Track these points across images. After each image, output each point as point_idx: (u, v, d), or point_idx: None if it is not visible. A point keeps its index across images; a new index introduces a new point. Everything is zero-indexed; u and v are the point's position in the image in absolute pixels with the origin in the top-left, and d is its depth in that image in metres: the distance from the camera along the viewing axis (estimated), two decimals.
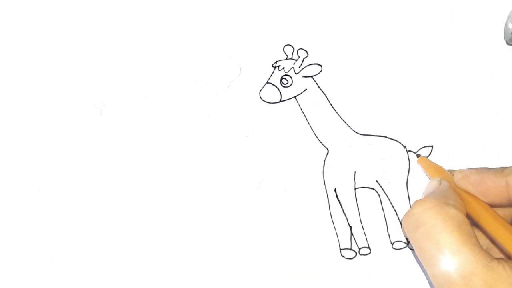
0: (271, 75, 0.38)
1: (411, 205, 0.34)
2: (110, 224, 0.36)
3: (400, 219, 0.37)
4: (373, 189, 0.37)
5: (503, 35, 0.39)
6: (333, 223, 0.37)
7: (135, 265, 0.36)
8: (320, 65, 0.38)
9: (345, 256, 0.36)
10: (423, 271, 0.36)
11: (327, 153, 0.37)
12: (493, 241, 0.32)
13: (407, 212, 0.30)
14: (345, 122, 0.37)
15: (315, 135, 0.37)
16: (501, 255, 0.32)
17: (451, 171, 0.34)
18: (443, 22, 0.39)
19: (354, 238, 0.36)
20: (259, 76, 0.38)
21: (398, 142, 0.37)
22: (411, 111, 0.38)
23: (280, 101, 0.38)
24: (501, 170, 0.31)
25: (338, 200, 0.37)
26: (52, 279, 0.36)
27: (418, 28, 0.39)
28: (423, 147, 0.37)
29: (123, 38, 0.39)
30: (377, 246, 0.37)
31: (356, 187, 0.37)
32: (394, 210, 0.37)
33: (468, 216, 0.31)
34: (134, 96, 0.38)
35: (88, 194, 0.37)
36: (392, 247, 0.36)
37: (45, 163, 0.37)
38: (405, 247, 0.36)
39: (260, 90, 0.38)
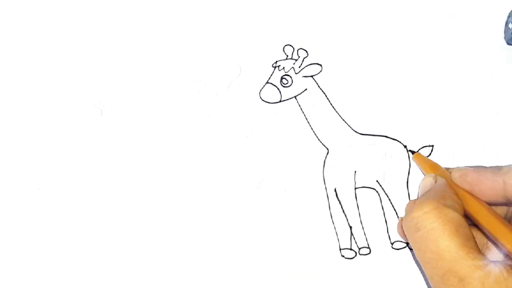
0: (271, 75, 0.38)
1: (408, 205, 0.35)
2: (110, 224, 0.36)
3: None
4: (373, 189, 0.37)
5: (503, 35, 0.39)
6: (333, 223, 0.37)
7: (135, 265, 0.36)
8: (320, 65, 0.38)
9: (345, 256, 0.36)
10: (422, 272, 0.36)
11: (327, 153, 0.37)
12: (490, 239, 0.32)
13: (406, 215, 0.31)
14: (345, 122, 0.37)
15: (315, 135, 0.37)
16: (499, 253, 0.32)
17: (448, 169, 0.34)
18: (443, 22, 0.39)
19: (354, 238, 0.36)
20: (259, 76, 0.38)
21: (399, 141, 0.37)
22: (411, 110, 0.38)
23: (280, 101, 0.38)
24: (498, 169, 0.31)
25: (338, 200, 0.37)
26: (52, 279, 0.36)
27: (418, 28, 0.39)
28: (423, 147, 0.37)
29: (123, 38, 0.39)
30: (377, 246, 0.37)
31: (356, 187, 0.37)
32: (394, 210, 0.37)
33: (466, 214, 0.31)
34: (134, 96, 0.38)
35: (88, 194, 0.37)
36: (392, 247, 0.36)
37: (45, 163, 0.37)
38: (405, 247, 0.36)
39: (260, 90, 0.38)
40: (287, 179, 0.37)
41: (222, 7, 0.39)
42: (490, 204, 0.32)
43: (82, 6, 0.39)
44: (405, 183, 0.37)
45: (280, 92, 0.38)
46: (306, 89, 0.38)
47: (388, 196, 0.37)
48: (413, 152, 0.37)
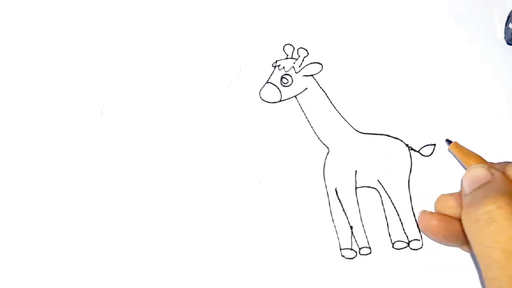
0: (271, 74, 0.38)
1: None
2: (110, 224, 0.36)
3: (401, 219, 0.37)
4: (374, 188, 0.37)
5: (503, 35, 0.39)
6: (333, 222, 0.37)
7: (135, 265, 0.36)
8: (321, 64, 0.38)
9: (346, 256, 0.36)
10: (423, 271, 0.36)
11: (328, 152, 0.37)
12: None
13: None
14: (346, 121, 0.37)
15: (316, 134, 0.37)
16: None
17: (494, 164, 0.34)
18: (443, 22, 0.39)
19: (354, 238, 0.36)
20: (259, 75, 0.38)
21: (400, 140, 0.37)
22: (412, 109, 0.38)
23: (280, 100, 0.38)
24: None
25: (339, 200, 0.37)
26: (52, 279, 0.36)
27: (418, 28, 0.39)
28: (426, 145, 0.37)
29: (123, 38, 0.39)
30: (377, 246, 0.36)
31: (357, 186, 0.37)
32: (395, 209, 0.37)
33: None
34: (134, 96, 0.38)
35: (88, 194, 0.37)
36: (393, 247, 0.36)
37: (45, 163, 0.37)
38: (405, 247, 0.36)
39: (260, 90, 0.38)
40: (287, 179, 0.37)
41: (222, 7, 0.39)
42: None
43: (82, 6, 0.39)
44: (407, 182, 0.37)
45: (280, 92, 0.38)
46: (306, 89, 0.38)
47: (389, 196, 0.37)
48: (449, 142, 0.37)
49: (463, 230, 0.30)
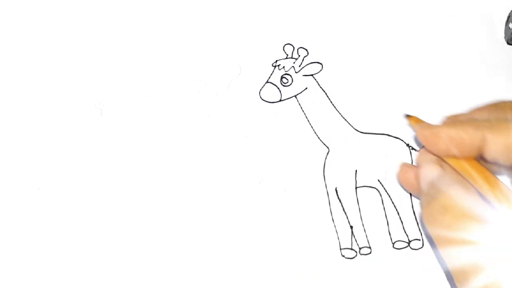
0: (271, 74, 0.38)
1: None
2: (110, 224, 0.36)
3: (402, 219, 0.37)
4: (375, 188, 0.37)
5: (503, 35, 0.40)
6: (333, 222, 0.37)
7: (135, 265, 0.36)
8: (321, 64, 0.38)
9: (346, 256, 0.36)
10: (424, 271, 0.36)
11: (328, 152, 0.37)
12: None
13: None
14: (346, 121, 0.37)
15: (316, 134, 0.37)
16: None
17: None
18: (443, 22, 0.39)
19: (354, 238, 0.36)
20: (259, 75, 0.38)
21: (401, 139, 0.37)
22: (412, 109, 0.38)
23: (280, 100, 0.38)
24: (477, 123, 0.29)
25: (339, 200, 0.37)
26: (52, 279, 0.36)
27: (418, 28, 0.39)
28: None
29: (123, 38, 0.39)
30: (378, 245, 0.36)
31: (357, 186, 0.37)
32: (396, 209, 0.37)
33: None
34: (134, 96, 0.38)
35: (88, 194, 0.37)
36: (393, 247, 0.36)
37: (45, 163, 0.37)
38: (406, 247, 0.36)
39: (260, 90, 0.38)
40: (287, 179, 0.37)
41: (222, 7, 0.39)
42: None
43: (82, 6, 0.39)
44: None
45: (280, 92, 0.38)
46: (306, 88, 0.38)
47: (389, 195, 0.37)
48: (407, 116, 0.36)
49: None
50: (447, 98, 0.38)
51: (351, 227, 0.37)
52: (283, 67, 0.38)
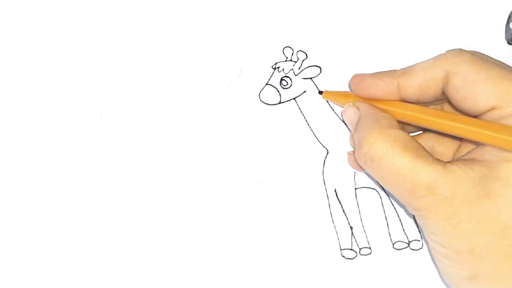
0: (271, 76, 0.38)
1: (352, 141, 0.36)
2: (110, 224, 0.36)
3: (401, 219, 0.37)
4: (374, 189, 0.37)
5: (503, 35, 0.39)
6: (333, 223, 0.37)
7: (135, 265, 0.36)
8: (319, 67, 0.38)
9: (346, 256, 0.36)
10: (424, 272, 0.36)
11: (327, 154, 0.37)
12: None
13: (357, 151, 0.32)
14: (345, 123, 0.37)
15: (315, 136, 0.37)
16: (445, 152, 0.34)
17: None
18: (443, 22, 0.39)
19: (354, 238, 0.36)
20: (259, 77, 0.38)
21: None
22: None
23: (280, 102, 0.38)
24: (393, 71, 0.33)
25: (339, 200, 0.37)
26: (52, 279, 0.36)
27: (418, 28, 0.39)
28: None
29: (123, 38, 0.39)
30: (377, 246, 0.36)
31: (356, 187, 0.37)
32: (395, 210, 0.37)
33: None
34: (134, 96, 0.38)
35: (88, 194, 0.37)
36: (393, 247, 0.36)
37: (44, 163, 0.37)
38: (406, 247, 0.36)
39: (260, 92, 0.38)
40: (286, 180, 0.37)
41: (222, 8, 0.39)
42: None
43: (82, 6, 0.39)
44: None
45: (279, 94, 0.38)
46: (305, 91, 0.38)
47: (388, 196, 0.37)
48: (320, 92, 0.37)
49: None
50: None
51: (351, 227, 0.37)
52: (283, 69, 0.38)
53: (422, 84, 0.31)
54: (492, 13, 0.40)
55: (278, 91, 0.38)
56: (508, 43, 0.39)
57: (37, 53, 0.39)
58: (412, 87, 0.32)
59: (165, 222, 0.36)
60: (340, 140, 0.37)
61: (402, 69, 0.33)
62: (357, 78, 0.34)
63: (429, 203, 0.29)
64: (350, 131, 0.35)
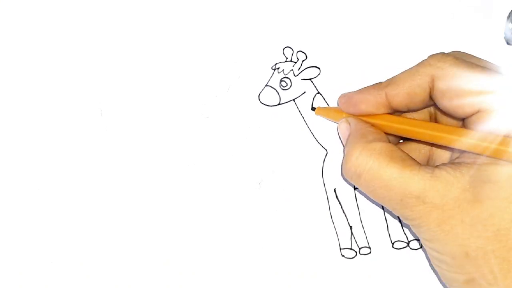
0: (271, 77, 0.38)
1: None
2: (110, 224, 0.36)
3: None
4: None
5: (503, 35, 0.39)
6: (333, 223, 0.37)
7: (135, 265, 0.36)
8: (319, 68, 0.38)
9: (345, 256, 0.36)
10: (423, 271, 0.36)
11: (326, 154, 0.37)
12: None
13: (343, 167, 0.32)
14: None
15: (314, 136, 0.37)
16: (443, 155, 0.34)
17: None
18: (443, 22, 0.39)
19: (354, 238, 0.36)
20: (259, 78, 0.38)
21: None
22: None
23: (279, 104, 0.38)
24: (379, 84, 0.33)
25: (338, 200, 0.37)
26: (52, 279, 0.36)
27: (418, 28, 0.39)
28: None
29: (124, 38, 0.39)
30: (377, 245, 0.37)
31: (356, 187, 0.37)
32: None
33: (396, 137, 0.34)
34: (135, 96, 0.38)
35: (88, 194, 0.37)
36: (393, 247, 0.36)
37: (45, 163, 0.37)
38: (405, 247, 0.36)
39: (259, 93, 0.38)
40: (287, 180, 0.37)
41: (222, 8, 0.39)
42: None
43: (82, 6, 0.39)
44: None
45: (279, 95, 0.38)
46: (304, 92, 0.38)
47: None
48: (312, 109, 0.38)
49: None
50: None
51: (351, 227, 0.37)
52: (282, 70, 0.38)
53: (410, 92, 0.31)
54: (492, 13, 0.40)
55: (277, 92, 0.38)
56: (508, 43, 0.39)
57: (38, 53, 0.39)
58: (400, 95, 0.32)
59: (165, 222, 0.36)
60: (339, 140, 0.37)
61: (387, 80, 0.33)
62: (345, 97, 0.35)
63: (420, 212, 0.29)
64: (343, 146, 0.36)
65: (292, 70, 0.38)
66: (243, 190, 0.37)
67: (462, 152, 0.31)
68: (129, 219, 0.36)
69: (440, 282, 0.35)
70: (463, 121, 0.31)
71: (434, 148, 0.35)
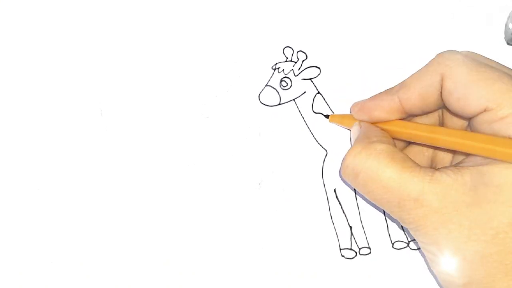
0: (271, 77, 0.38)
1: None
2: (110, 224, 0.36)
3: None
4: None
5: (503, 35, 0.39)
6: (333, 223, 0.37)
7: (135, 265, 0.36)
8: (319, 68, 0.38)
9: (345, 256, 0.36)
10: (423, 271, 0.36)
11: (326, 155, 0.37)
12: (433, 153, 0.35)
13: (342, 165, 0.31)
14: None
15: (314, 137, 0.37)
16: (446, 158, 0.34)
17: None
18: (443, 22, 0.39)
19: (354, 238, 0.36)
20: (259, 78, 0.38)
21: None
22: None
23: (279, 104, 0.38)
24: (391, 89, 0.33)
25: (338, 200, 0.37)
26: (52, 279, 0.36)
27: (418, 28, 0.39)
28: None
29: (124, 38, 0.39)
30: (377, 246, 0.37)
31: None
32: None
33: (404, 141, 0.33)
34: (134, 96, 0.38)
35: (88, 194, 0.37)
36: (393, 247, 0.36)
37: (45, 163, 0.37)
38: (405, 247, 0.36)
39: (260, 93, 0.38)
40: (286, 180, 0.37)
41: (222, 8, 0.39)
42: None
43: (82, 6, 0.39)
44: None
45: (279, 95, 0.38)
46: (305, 92, 0.38)
47: None
48: (326, 116, 0.37)
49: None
50: None
51: (351, 227, 0.37)
52: (283, 70, 0.38)
53: (421, 93, 0.31)
54: (492, 13, 0.40)
55: (278, 92, 0.38)
56: (508, 43, 0.39)
57: (38, 53, 0.39)
58: (413, 98, 0.31)
59: (165, 222, 0.36)
60: (339, 141, 0.37)
61: (398, 84, 0.32)
62: (357, 106, 0.34)
63: (418, 215, 0.29)
64: None
65: (292, 70, 0.38)
66: (243, 190, 0.37)
67: (467, 155, 0.31)
68: (129, 219, 0.36)
69: (438, 284, 0.35)
70: (470, 121, 0.31)
71: (437, 151, 0.35)
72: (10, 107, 0.38)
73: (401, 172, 0.29)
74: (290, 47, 0.38)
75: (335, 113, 0.38)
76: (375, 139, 0.31)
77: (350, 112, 0.35)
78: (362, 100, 0.34)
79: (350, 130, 0.36)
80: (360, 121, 0.34)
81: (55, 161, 0.37)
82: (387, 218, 0.37)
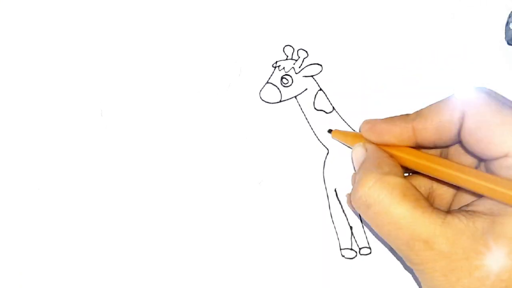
0: (271, 75, 0.38)
1: (353, 180, 0.35)
2: (110, 224, 0.36)
3: None
4: None
5: (503, 35, 0.39)
6: (333, 223, 0.37)
7: (135, 265, 0.36)
8: (321, 65, 0.38)
9: (346, 256, 0.36)
10: None
11: (327, 153, 0.37)
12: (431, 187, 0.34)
13: (353, 194, 0.30)
14: (345, 122, 0.37)
15: (315, 135, 0.37)
16: (442, 197, 0.33)
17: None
18: (443, 22, 0.39)
19: (354, 238, 0.36)
20: (259, 76, 0.38)
21: None
22: (411, 111, 0.38)
23: (280, 101, 0.38)
24: (406, 116, 0.31)
25: (339, 200, 0.37)
26: (52, 279, 0.36)
27: (418, 28, 0.39)
28: None
29: (124, 38, 0.39)
30: (377, 246, 0.36)
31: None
32: None
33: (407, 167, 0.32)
34: (135, 96, 0.38)
35: (88, 194, 0.37)
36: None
37: (45, 163, 0.37)
38: None
39: (261, 90, 0.38)
40: (287, 179, 0.37)
41: (222, 7, 0.39)
42: None
43: (82, 6, 0.39)
44: None
45: (280, 92, 0.38)
46: (306, 89, 0.38)
47: None
48: (329, 131, 0.37)
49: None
50: None
51: (351, 227, 0.37)
52: (283, 68, 0.38)
53: (439, 127, 0.30)
54: (492, 13, 0.40)
55: (278, 89, 0.38)
56: (508, 43, 0.39)
57: (38, 54, 0.39)
58: (429, 130, 0.30)
59: (165, 221, 0.36)
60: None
61: (415, 112, 0.31)
62: (368, 124, 0.33)
63: (427, 258, 0.28)
64: (355, 170, 0.35)
65: (293, 67, 0.38)
66: (243, 190, 0.37)
67: (477, 196, 0.30)
68: (129, 219, 0.36)
69: None
70: (485, 162, 0.30)
71: (436, 186, 0.34)
72: (10, 107, 0.38)
73: (414, 211, 0.28)
74: (291, 46, 0.38)
75: (337, 109, 0.38)
76: (387, 169, 0.30)
77: (360, 129, 0.34)
78: (374, 120, 0.33)
79: (350, 147, 0.36)
80: (364, 142, 0.33)
81: (55, 161, 0.37)
82: None
